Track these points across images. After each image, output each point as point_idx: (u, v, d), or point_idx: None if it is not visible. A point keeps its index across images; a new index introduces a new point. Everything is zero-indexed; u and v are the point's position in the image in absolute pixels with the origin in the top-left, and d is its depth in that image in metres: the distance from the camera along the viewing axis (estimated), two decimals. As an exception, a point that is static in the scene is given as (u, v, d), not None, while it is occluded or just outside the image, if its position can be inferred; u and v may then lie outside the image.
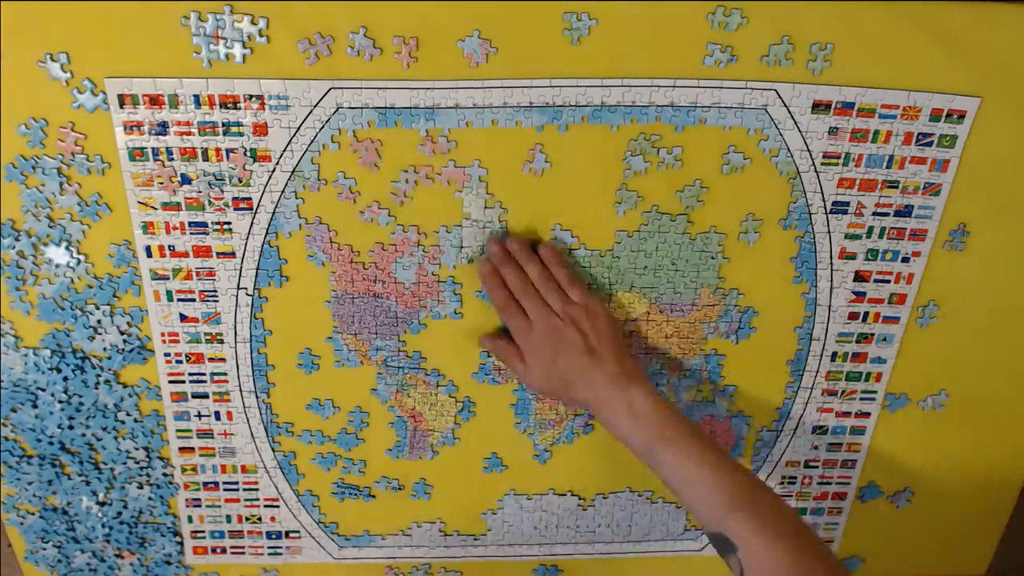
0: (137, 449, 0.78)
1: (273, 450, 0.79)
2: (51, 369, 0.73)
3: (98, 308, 0.71)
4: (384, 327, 0.74)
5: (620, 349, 0.70)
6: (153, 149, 0.66)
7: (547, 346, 0.69)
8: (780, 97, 0.67)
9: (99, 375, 0.74)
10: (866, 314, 0.77)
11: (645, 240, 0.72)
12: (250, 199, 0.68)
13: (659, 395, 0.68)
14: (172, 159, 0.66)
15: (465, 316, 0.74)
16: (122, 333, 0.73)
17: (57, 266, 0.69)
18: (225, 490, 0.81)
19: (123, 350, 0.73)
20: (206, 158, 0.66)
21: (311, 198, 0.68)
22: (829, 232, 0.73)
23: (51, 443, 0.77)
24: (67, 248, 0.69)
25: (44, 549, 0.83)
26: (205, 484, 0.81)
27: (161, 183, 0.67)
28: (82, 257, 0.69)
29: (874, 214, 0.72)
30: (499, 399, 0.78)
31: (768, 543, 0.60)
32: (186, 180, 0.67)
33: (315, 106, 0.65)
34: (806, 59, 0.66)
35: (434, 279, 0.72)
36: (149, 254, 0.70)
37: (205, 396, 0.76)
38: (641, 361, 0.77)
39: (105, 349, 0.73)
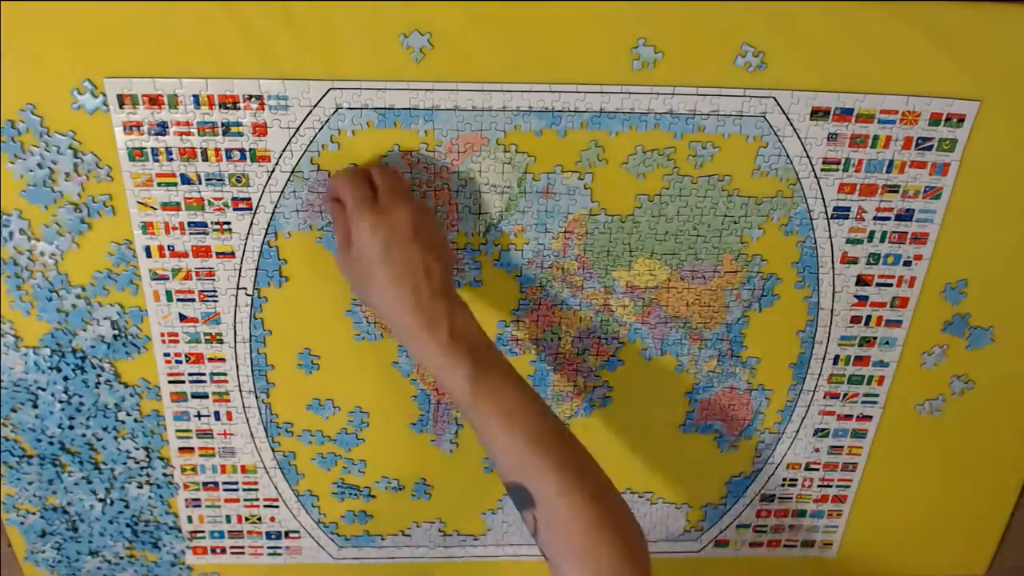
0: (137, 449, 0.78)
1: (273, 450, 0.79)
2: (51, 368, 0.73)
3: (100, 307, 0.71)
4: None
5: (451, 262, 0.64)
6: (152, 149, 0.66)
7: (383, 245, 0.60)
8: (779, 104, 0.67)
9: (99, 375, 0.74)
10: (868, 318, 0.76)
11: (666, 204, 0.71)
12: (249, 199, 0.68)
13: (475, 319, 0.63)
14: (171, 159, 0.66)
15: (485, 284, 0.73)
16: (122, 332, 0.73)
17: (57, 265, 0.69)
18: (225, 490, 0.81)
19: (122, 349, 0.73)
20: (205, 158, 0.66)
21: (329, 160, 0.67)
22: (830, 237, 0.73)
23: (51, 443, 0.77)
24: (66, 247, 0.69)
25: (44, 550, 0.83)
26: (205, 484, 0.81)
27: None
28: (81, 258, 0.69)
29: (875, 218, 0.72)
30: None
31: (570, 505, 0.56)
32: (186, 180, 0.67)
33: (314, 106, 0.65)
34: (805, 61, 0.65)
35: (452, 246, 0.72)
36: (148, 254, 0.70)
37: (205, 396, 0.76)
38: (662, 331, 0.76)
39: (105, 349, 0.73)
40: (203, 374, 0.75)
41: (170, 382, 0.76)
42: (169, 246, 0.70)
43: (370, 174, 0.64)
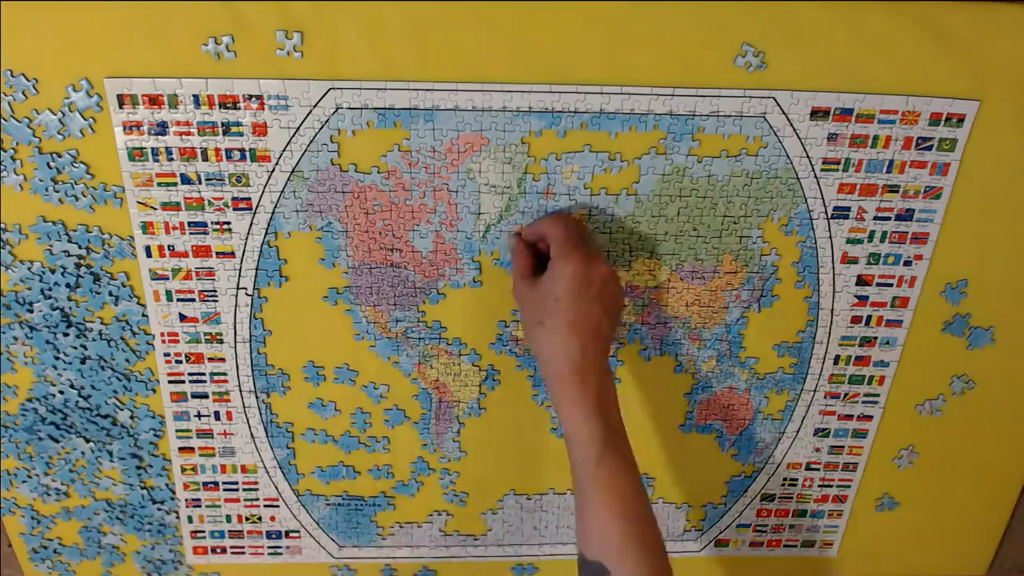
0: (137, 448, 0.78)
1: (273, 450, 0.79)
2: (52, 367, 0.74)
3: (100, 307, 0.71)
4: (403, 297, 0.73)
5: (614, 332, 0.66)
6: (152, 149, 0.66)
7: (577, 289, 0.62)
8: (779, 104, 0.67)
9: (100, 375, 0.74)
10: (869, 318, 0.76)
11: (666, 205, 0.71)
12: (249, 199, 0.68)
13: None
14: (172, 159, 0.66)
15: (484, 284, 0.73)
16: (122, 332, 0.73)
17: (62, 268, 0.69)
18: (225, 490, 0.81)
19: (123, 349, 0.73)
20: (205, 158, 0.66)
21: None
22: (830, 237, 0.73)
23: (53, 441, 0.77)
24: (67, 250, 0.69)
25: (45, 549, 0.83)
26: (205, 484, 0.81)
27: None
28: (81, 256, 0.69)
29: (875, 218, 0.72)
30: (517, 371, 0.78)
31: None
32: (186, 180, 0.67)
33: (314, 106, 0.65)
34: (805, 61, 0.65)
35: (452, 247, 0.72)
36: (148, 254, 0.70)
37: (205, 396, 0.76)
38: (661, 331, 0.76)
39: (105, 348, 0.73)
40: (203, 374, 0.75)
41: (170, 382, 0.75)
42: (169, 246, 0.70)
43: (582, 224, 0.68)
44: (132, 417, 0.77)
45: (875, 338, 0.78)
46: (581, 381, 0.61)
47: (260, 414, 0.78)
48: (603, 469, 0.61)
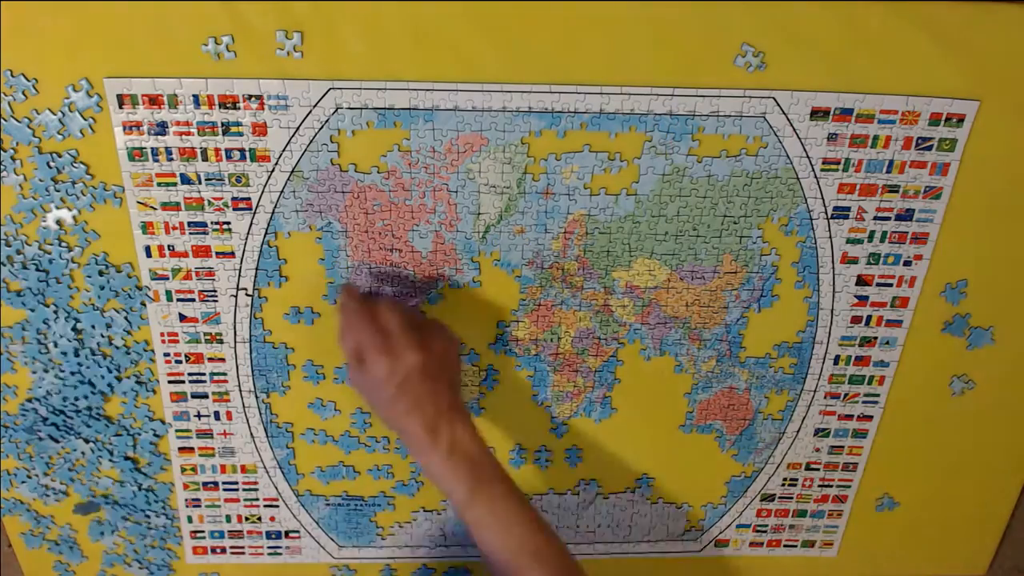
0: (137, 449, 0.78)
1: (273, 450, 0.79)
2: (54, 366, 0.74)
3: (100, 309, 0.72)
4: (402, 297, 0.73)
5: (458, 380, 0.70)
6: (152, 149, 0.66)
7: (393, 390, 0.64)
8: (778, 104, 0.67)
9: (100, 375, 0.74)
10: (868, 318, 0.76)
11: (666, 205, 0.71)
12: (249, 199, 0.68)
13: (477, 435, 0.67)
14: (172, 159, 0.66)
15: (484, 284, 0.73)
16: (124, 332, 0.73)
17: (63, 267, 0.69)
18: (225, 490, 0.81)
19: (123, 350, 0.73)
20: (205, 158, 0.66)
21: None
22: (830, 237, 0.72)
23: (53, 441, 0.77)
24: (68, 249, 0.69)
25: (45, 549, 0.83)
26: (205, 484, 0.81)
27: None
28: (81, 257, 0.69)
29: (875, 218, 0.72)
30: (517, 371, 0.78)
31: None
32: (186, 180, 0.67)
33: (314, 106, 0.65)
34: (805, 61, 0.65)
35: (451, 247, 0.72)
36: (148, 254, 0.70)
37: (204, 396, 0.76)
38: (661, 331, 0.76)
39: (107, 349, 0.73)
40: (203, 374, 0.75)
41: (170, 382, 0.75)
42: (169, 246, 0.70)
43: (376, 313, 0.66)
44: (132, 417, 0.77)
45: (875, 338, 0.78)
46: (431, 443, 0.64)
47: (260, 414, 0.78)
48: (477, 507, 0.64)
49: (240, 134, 0.66)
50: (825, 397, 0.81)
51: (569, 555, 0.65)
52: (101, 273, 0.70)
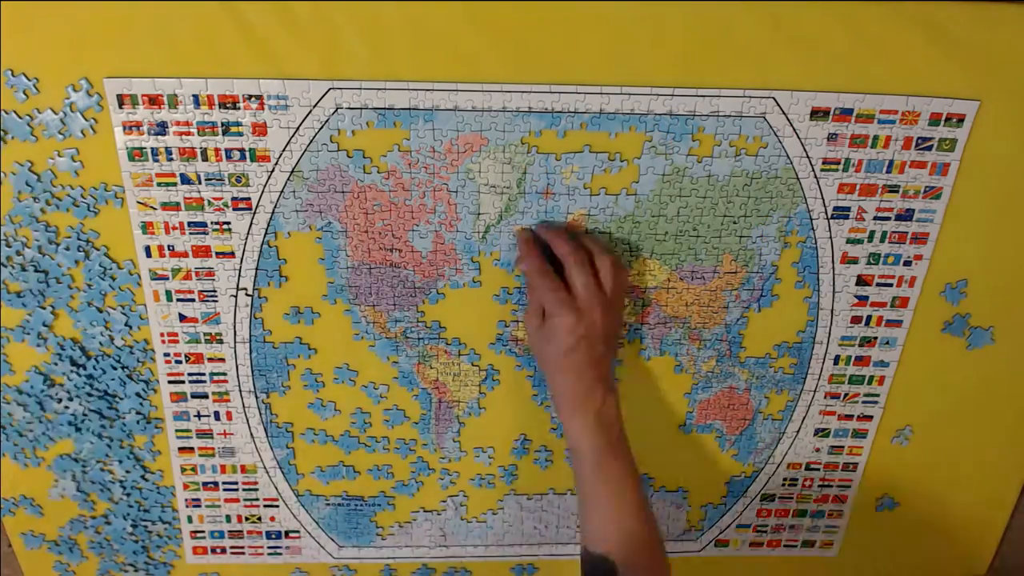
0: (137, 448, 0.78)
1: (273, 450, 0.79)
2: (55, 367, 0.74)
3: (100, 309, 0.72)
4: (402, 297, 0.73)
5: (614, 348, 0.72)
6: (152, 149, 0.66)
7: (572, 343, 0.67)
8: (778, 104, 0.67)
9: (100, 375, 0.74)
10: (869, 318, 0.76)
11: (666, 205, 0.71)
12: (249, 199, 0.68)
13: (620, 412, 0.70)
14: (171, 159, 0.66)
15: (484, 284, 0.73)
16: (125, 332, 0.73)
17: (61, 268, 0.69)
18: (225, 490, 0.81)
19: (124, 349, 0.73)
20: (205, 158, 0.66)
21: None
22: (831, 237, 0.72)
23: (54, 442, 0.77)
24: (68, 249, 0.69)
25: (44, 550, 0.83)
26: (204, 484, 0.81)
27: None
28: (81, 257, 0.69)
29: (875, 218, 0.72)
30: (517, 371, 0.78)
31: None
32: (186, 180, 0.67)
33: (314, 106, 0.65)
34: (805, 61, 0.65)
35: (451, 247, 0.72)
36: (148, 254, 0.70)
37: (204, 396, 0.76)
38: (661, 331, 0.77)
39: (107, 348, 0.73)
40: (203, 374, 0.75)
41: (170, 382, 0.75)
42: (169, 246, 0.70)
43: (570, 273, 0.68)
44: (132, 416, 0.77)
45: (875, 338, 0.78)
46: (581, 403, 0.68)
47: (260, 414, 0.78)
48: (603, 475, 0.68)
49: (240, 134, 0.66)
50: (825, 397, 0.81)
51: (663, 552, 0.69)
52: (101, 274, 0.70)
